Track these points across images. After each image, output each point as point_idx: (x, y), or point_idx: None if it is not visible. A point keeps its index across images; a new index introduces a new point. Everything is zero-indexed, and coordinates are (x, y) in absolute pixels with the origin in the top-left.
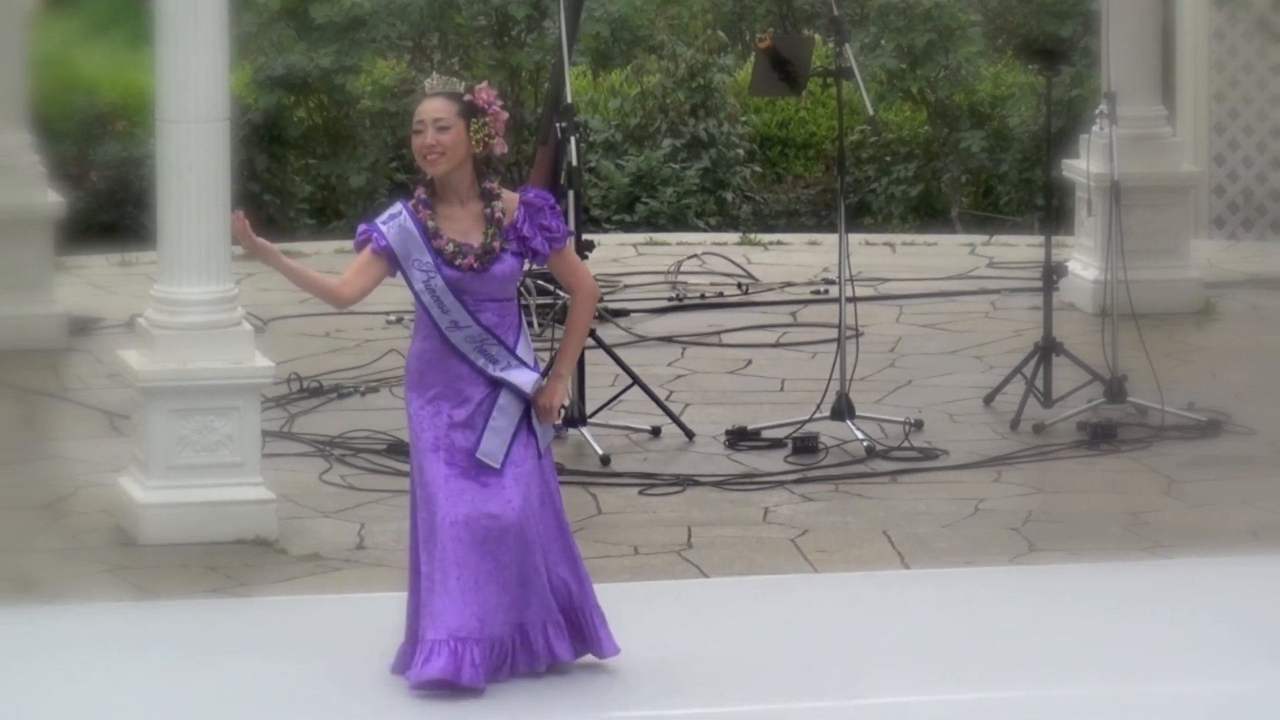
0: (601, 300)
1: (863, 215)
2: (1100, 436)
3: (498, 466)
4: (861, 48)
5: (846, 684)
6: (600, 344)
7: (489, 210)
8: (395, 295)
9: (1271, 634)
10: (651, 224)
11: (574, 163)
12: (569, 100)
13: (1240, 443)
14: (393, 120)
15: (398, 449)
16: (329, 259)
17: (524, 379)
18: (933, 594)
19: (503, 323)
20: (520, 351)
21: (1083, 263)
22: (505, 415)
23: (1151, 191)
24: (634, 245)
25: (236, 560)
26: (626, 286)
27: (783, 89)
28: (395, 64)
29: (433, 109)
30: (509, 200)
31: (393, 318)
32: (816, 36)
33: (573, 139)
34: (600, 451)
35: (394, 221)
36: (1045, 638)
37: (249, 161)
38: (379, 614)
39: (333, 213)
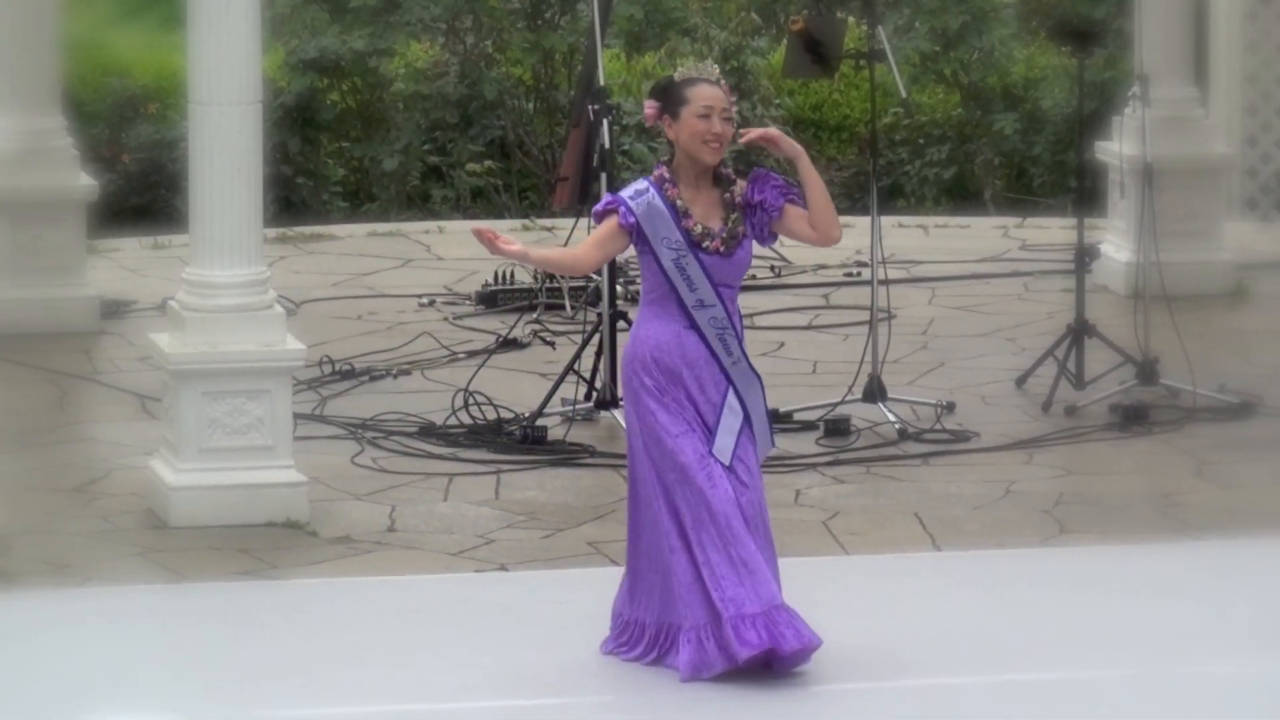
0: (634, 283)
1: (896, 197)
2: (1132, 418)
3: (728, 463)
4: (895, 30)
5: (878, 666)
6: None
7: (728, 195)
8: (428, 278)
9: None
10: None
11: (606, 145)
12: (601, 83)
13: (1272, 424)
14: (426, 103)
15: (429, 431)
16: (361, 242)
17: (752, 385)
18: (964, 576)
19: (734, 313)
20: (745, 348)
21: (1115, 245)
22: (734, 414)
23: (1184, 173)
24: None
25: (267, 543)
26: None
27: (816, 71)
28: (429, 47)
29: (719, 97)
30: (741, 185)
31: (425, 301)
32: (849, 19)
33: (605, 121)
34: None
35: (642, 199)
36: (1076, 620)
37: (281, 144)
38: (410, 596)
39: (365, 196)
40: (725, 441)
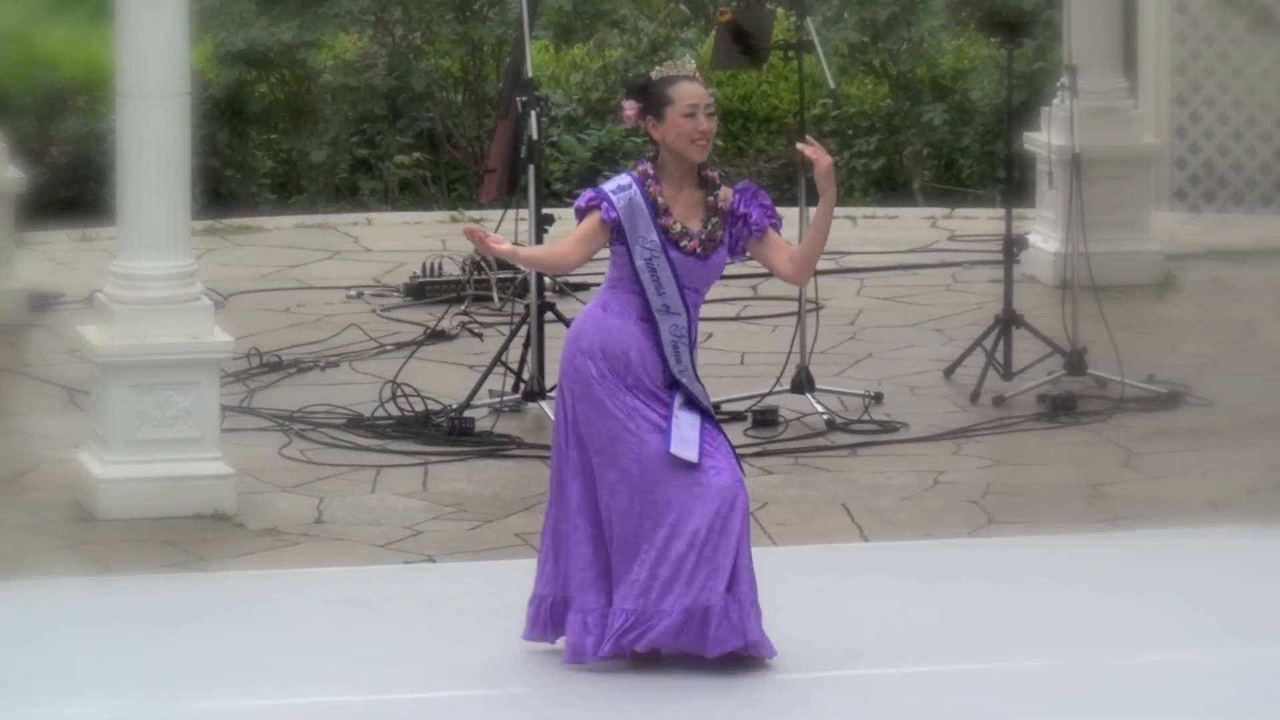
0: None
1: None
2: (1060, 409)
3: (696, 459)
4: (823, 21)
5: (806, 657)
6: (560, 318)
7: (711, 199)
8: (356, 270)
9: (1230, 606)
10: None
11: (534, 137)
12: (530, 74)
13: (1199, 415)
14: (354, 95)
15: (357, 423)
16: (289, 234)
17: (699, 394)
18: (892, 567)
19: (694, 321)
20: (695, 360)
21: (1043, 235)
22: (689, 422)
23: (1112, 164)
24: None
25: (195, 535)
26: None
27: (744, 63)
28: (357, 39)
29: (703, 94)
30: (725, 191)
31: (353, 293)
32: (778, 10)
33: (533, 113)
34: None
35: (624, 194)
36: (1004, 610)
37: (210, 137)
38: (337, 588)
39: (294, 188)
40: (686, 437)
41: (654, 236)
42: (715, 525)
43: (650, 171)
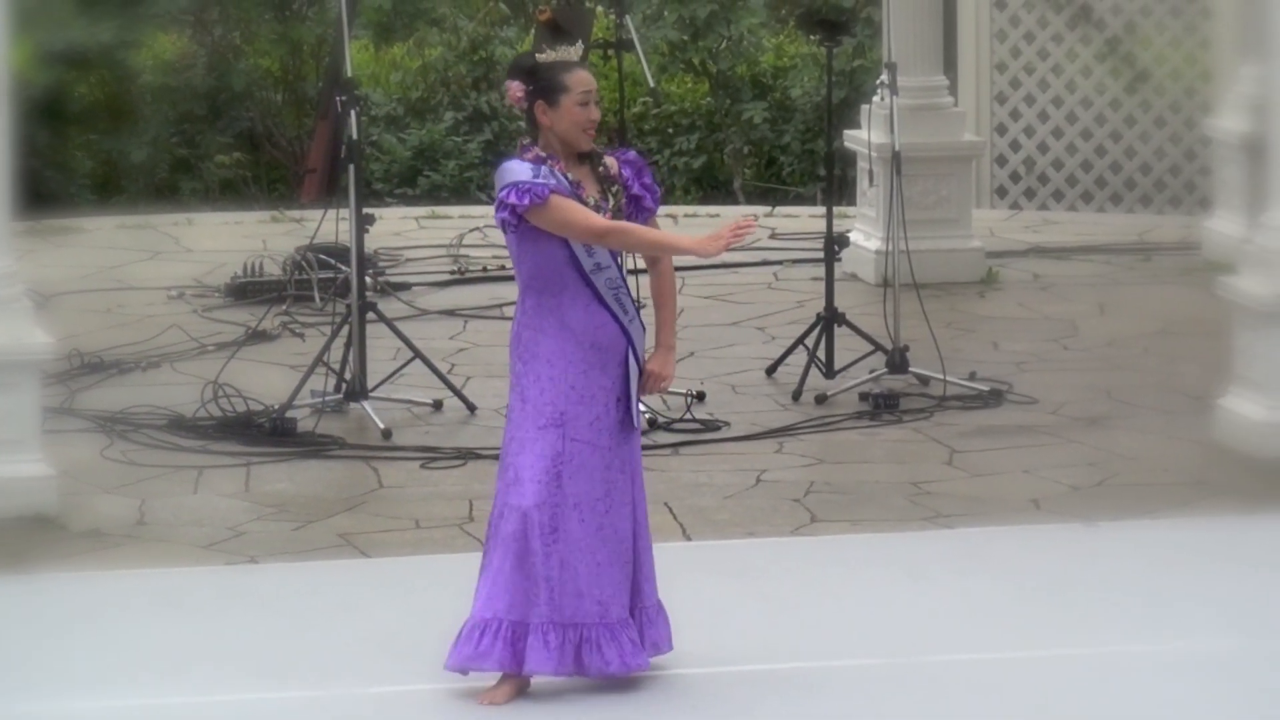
0: (384, 275)
1: None
2: (882, 407)
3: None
4: (643, 19)
5: None
6: (381, 317)
7: (602, 169)
8: (177, 270)
9: (1052, 602)
10: (434, 197)
11: (354, 136)
12: (349, 74)
13: (1021, 412)
14: (174, 95)
15: (179, 424)
16: (110, 234)
17: (638, 333)
18: (714, 565)
19: (622, 268)
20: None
21: (864, 233)
22: (633, 375)
23: (933, 161)
24: (416, 219)
25: (15, 537)
26: (408, 260)
27: None
28: (176, 39)
29: (592, 81)
30: (609, 159)
31: (174, 293)
32: (597, 8)
33: (353, 113)
34: (382, 425)
35: (542, 173)
36: (827, 609)
37: (29, 137)
38: (159, 588)
39: (114, 188)
40: (632, 407)
41: None
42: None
43: (544, 155)
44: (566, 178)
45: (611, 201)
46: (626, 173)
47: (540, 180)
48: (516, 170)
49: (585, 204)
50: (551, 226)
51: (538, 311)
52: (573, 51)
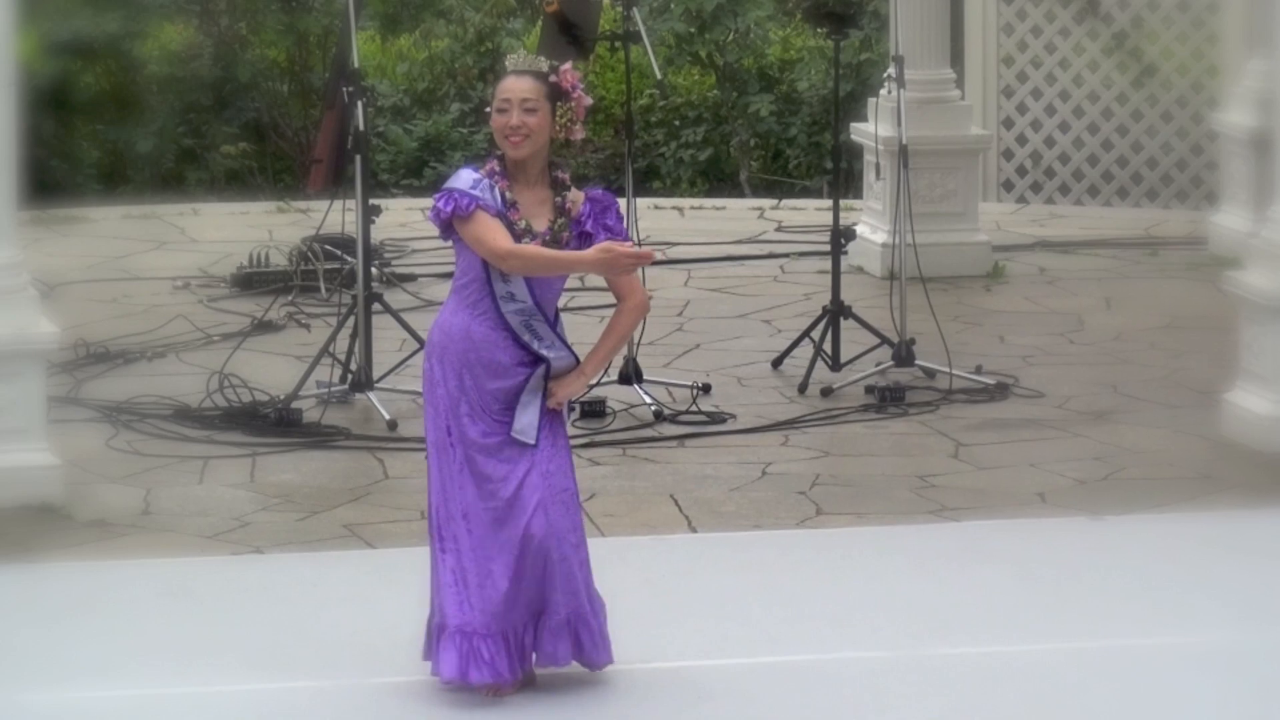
0: (389, 265)
1: (651, 179)
2: (888, 400)
3: (534, 443)
4: (650, 11)
5: (633, 648)
6: (387, 308)
7: (560, 200)
8: (183, 260)
9: (1058, 595)
10: (439, 188)
11: (360, 127)
12: (356, 65)
13: (1027, 406)
14: (180, 85)
15: (184, 414)
16: (116, 224)
17: (564, 360)
18: (720, 558)
19: (549, 304)
20: (559, 330)
21: (871, 226)
22: (534, 394)
23: (940, 155)
24: (421, 210)
25: (21, 526)
26: (414, 251)
27: (571, 53)
28: (182, 29)
29: (521, 88)
30: (575, 194)
31: (180, 283)
32: (604, 0)
33: (359, 104)
34: (387, 416)
35: (480, 186)
36: (833, 601)
37: (35, 127)
38: (165, 579)
39: (120, 178)
40: (524, 420)
41: None
42: None
43: (497, 169)
44: (504, 196)
45: (552, 234)
46: (585, 209)
47: (472, 192)
48: (461, 177)
49: (514, 227)
50: (469, 240)
51: (453, 310)
52: (516, 60)
